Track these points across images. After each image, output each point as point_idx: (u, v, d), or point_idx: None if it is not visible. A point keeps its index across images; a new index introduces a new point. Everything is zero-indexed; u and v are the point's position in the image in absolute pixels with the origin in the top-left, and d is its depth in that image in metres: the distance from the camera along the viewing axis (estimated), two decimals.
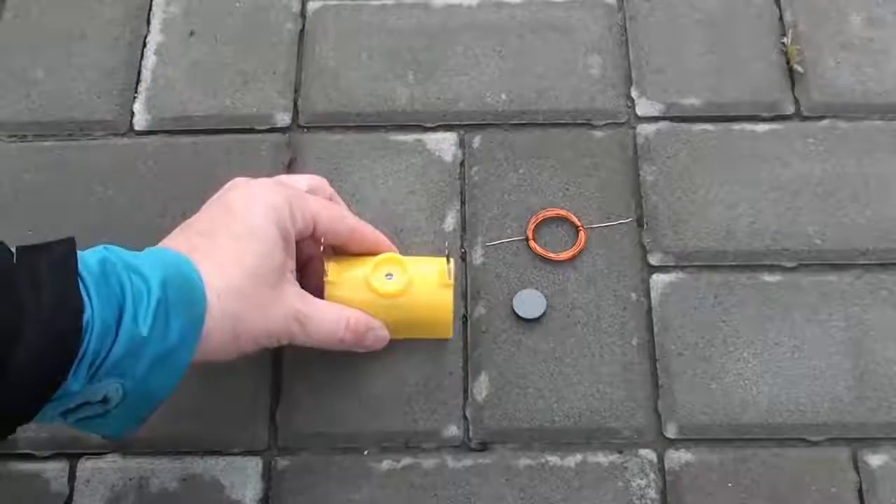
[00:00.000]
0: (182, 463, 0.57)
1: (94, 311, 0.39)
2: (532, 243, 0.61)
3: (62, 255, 0.40)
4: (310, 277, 0.55)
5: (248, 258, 0.47)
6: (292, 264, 0.51)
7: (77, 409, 0.42)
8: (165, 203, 0.63)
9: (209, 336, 0.45)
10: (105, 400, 0.41)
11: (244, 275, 0.46)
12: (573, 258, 0.61)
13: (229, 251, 0.47)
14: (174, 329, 0.42)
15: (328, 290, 0.55)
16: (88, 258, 0.41)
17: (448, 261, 0.55)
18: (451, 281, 0.55)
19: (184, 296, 0.43)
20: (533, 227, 0.62)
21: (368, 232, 0.55)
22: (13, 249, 0.39)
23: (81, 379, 0.39)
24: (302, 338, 0.51)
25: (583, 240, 0.61)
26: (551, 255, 0.61)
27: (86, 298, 0.39)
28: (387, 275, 0.55)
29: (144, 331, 0.40)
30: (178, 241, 0.47)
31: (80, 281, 0.39)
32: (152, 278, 0.42)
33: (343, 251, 0.55)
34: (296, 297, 0.50)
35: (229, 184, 0.52)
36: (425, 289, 0.55)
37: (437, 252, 0.59)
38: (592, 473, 0.56)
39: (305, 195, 0.52)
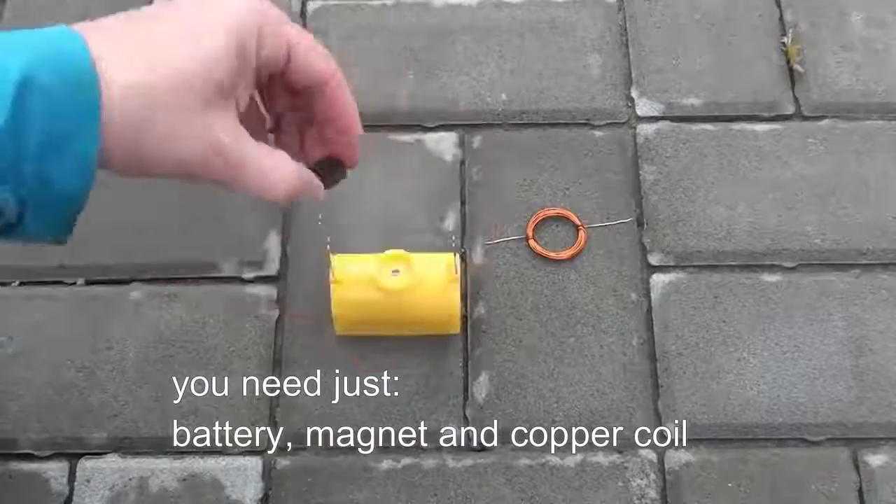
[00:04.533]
0: (182, 463, 0.57)
1: None
2: (532, 242, 0.61)
3: None
4: (279, 137, 0.46)
5: (177, 58, 0.37)
6: (242, 100, 0.41)
7: None
8: (165, 202, 0.63)
9: (109, 133, 0.36)
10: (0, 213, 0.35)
11: (164, 75, 0.37)
12: (573, 257, 0.61)
13: (155, 41, 0.38)
14: (56, 113, 0.35)
15: (335, 289, 0.55)
16: None
17: (455, 256, 0.55)
18: (458, 276, 0.55)
19: (65, 76, 0.35)
20: (533, 226, 0.62)
21: (345, 89, 0.44)
22: None
23: None
24: (224, 179, 0.40)
25: (583, 239, 0.61)
26: (551, 255, 0.61)
27: None
28: (393, 271, 0.55)
29: (2, 120, 0.33)
30: (85, 24, 0.38)
31: None
32: (13, 56, 0.34)
33: (303, 107, 0.45)
34: (227, 131, 0.39)
35: None
36: (432, 284, 0.55)
37: (437, 250, 0.59)
38: (592, 473, 0.56)
39: (285, 19, 0.42)
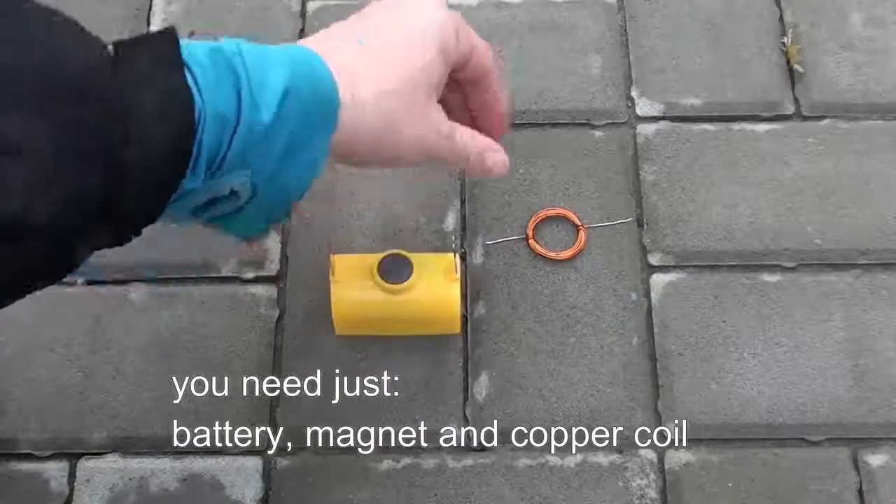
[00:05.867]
0: (182, 463, 0.57)
1: (206, 104, 0.37)
2: (532, 242, 0.61)
3: (164, 46, 0.37)
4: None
5: (407, 67, 0.45)
6: (440, 92, 0.49)
7: (208, 207, 0.41)
8: None
9: (350, 136, 0.43)
10: (234, 194, 0.40)
11: (401, 82, 0.44)
12: (573, 257, 0.61)
13: (386, 53, 0.45)
14: (304, 121, 0.40)
15: (334, 288, 0.55)
16: (196, 49, 0.38)
17: (455, 256, 0.55)
18: (458, 276, 0.55)
19: (314, 89, 0.41)
20: (533, 226, 0.62)
21: (499, 89, 0.53)
22: (110, 46, 0.36)
23: (201, 175, 0.38)
24: (448, 155, 0.49)
25: (583, 239, 0.61)
26: (551, 255, 0.61)
27: (195, 91, 0.37)
28: None
29: (267, 118, 0.38)
30: (321, 41, 0.44)
31: (187, 73, 0.37)
32: (277, 67, 0.40)
33: (457, 103, 0.53)
34: (442, 117, 0.48)
35: None
36: (432, 284, 0.55)
37: (437, 250, 0.59)
38: (592, 473, 0.56)
39: (465, 23, 0.50)
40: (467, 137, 0.50)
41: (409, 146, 0.46)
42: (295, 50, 0.42)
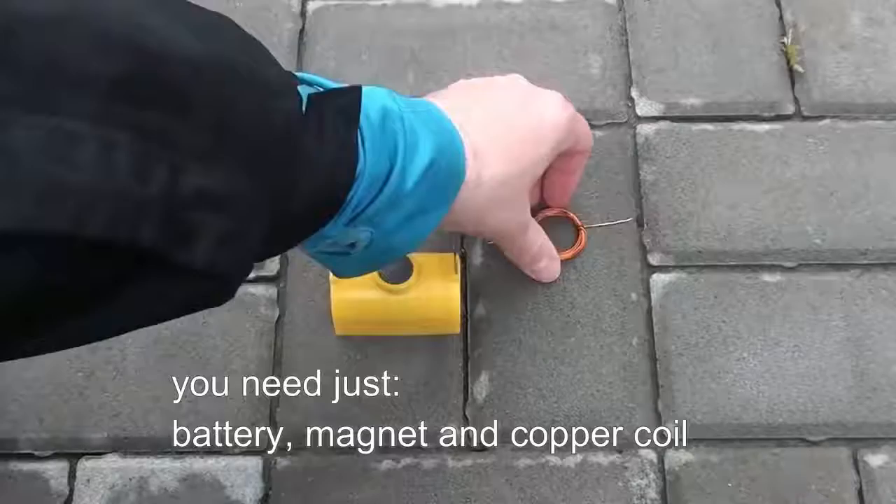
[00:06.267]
0: (182, 463, 0.57)
1: (367, 164, 0.39)
2: None
3: (348, 105, 0.39)
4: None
5: (525, 158, 0.48)
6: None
7: (324, 246, 0.43)
8: None
9: (460, 209, 0.45)
10: (352, 245, 0.42)
11: (519, 171, 0.48)
12: (573, 258, 0.61)
13: (512, 140, 0.48)
14: (433, 192, 0.43)
15: (334, 288, 0.55)
16: (370, 108, 0.40)
17: (455, 256, 0.55)
18: (458, 276, 0.55)
19: (450, 164, 0.44)
20: None
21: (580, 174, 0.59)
22: (304, 95, 0.38)
23: (340, 226, 0.40)
24: (514, 241, 0.54)
25: (583, 239, 0.61)
26: None
27: (361, 151, 0.39)
28: None
29: (409, 186, 0.41)
30: (460, 110, 0.47)
31: (359, 133, 0.39)
32: (427, 139, 0.42)
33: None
34: (528, 212, 0.52)
35: (518, 77, 0.53)
36: (432, 284, 0.55)
37: (437, 250, 0.59)
38: (592, 473, 0.56)
39: (579, 117, 0.54)
40: (536, 235, 0.55)
41: (493, 225, 0.50)
42: (441, 119, 0.45)
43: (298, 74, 0.41)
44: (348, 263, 0.44)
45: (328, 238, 0.41)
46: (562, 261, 0.61)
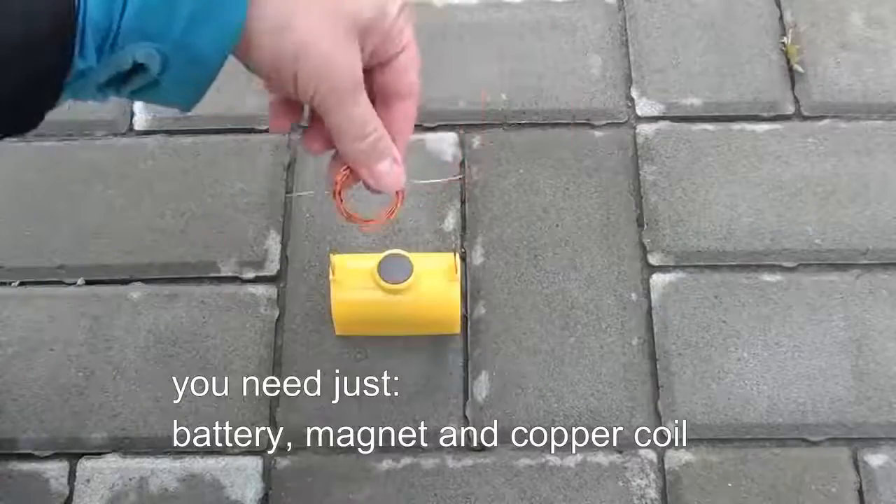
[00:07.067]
0: (182, 463, 0.57)
1: None
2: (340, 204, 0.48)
3: None
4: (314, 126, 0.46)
5: None
6: (365, 59, 0.42)
7: (120, 83, 0.39)
8: (165, 202, 0.63)
9: (259, 16, 0.38)
10: (142, 67, 0.38)
11: None
12: (394, 217, 0.47)
13: None
14: None
15: (334, 288, 0.55)
16: None
17: (455, 256, 0.55)
18: (458, 276, 0.55)
19: None
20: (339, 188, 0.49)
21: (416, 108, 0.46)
22: None
23: (92, 54, 0.36)
24: (337, 108, 0.42)
25: (403, 196, 0.48)
26: (356, 216, 0.48)
27: None
28: None
29: None
30: None
31: None
32: None
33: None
34: (357, 52, 0.41)
35: None
36: (432, 283, 0.55)
37: (437, 250, 0.59)
38: (592, 473, 0.56)
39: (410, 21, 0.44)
40: (370, 114, 0.43)
41: (297, 51, 0.39)
42: None
43: None
44: (167, 91, 0.39)
45: (93, 72, 0.36)
46: (560, 261, 0.61)
